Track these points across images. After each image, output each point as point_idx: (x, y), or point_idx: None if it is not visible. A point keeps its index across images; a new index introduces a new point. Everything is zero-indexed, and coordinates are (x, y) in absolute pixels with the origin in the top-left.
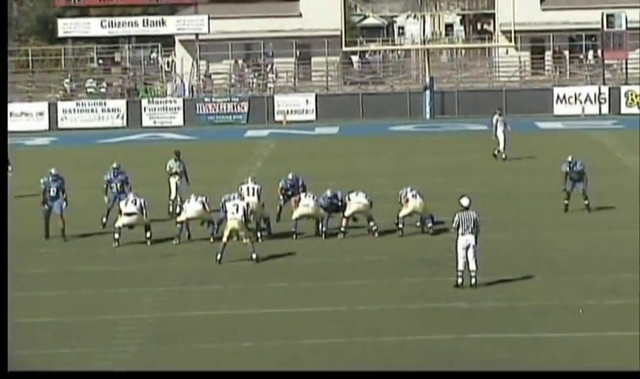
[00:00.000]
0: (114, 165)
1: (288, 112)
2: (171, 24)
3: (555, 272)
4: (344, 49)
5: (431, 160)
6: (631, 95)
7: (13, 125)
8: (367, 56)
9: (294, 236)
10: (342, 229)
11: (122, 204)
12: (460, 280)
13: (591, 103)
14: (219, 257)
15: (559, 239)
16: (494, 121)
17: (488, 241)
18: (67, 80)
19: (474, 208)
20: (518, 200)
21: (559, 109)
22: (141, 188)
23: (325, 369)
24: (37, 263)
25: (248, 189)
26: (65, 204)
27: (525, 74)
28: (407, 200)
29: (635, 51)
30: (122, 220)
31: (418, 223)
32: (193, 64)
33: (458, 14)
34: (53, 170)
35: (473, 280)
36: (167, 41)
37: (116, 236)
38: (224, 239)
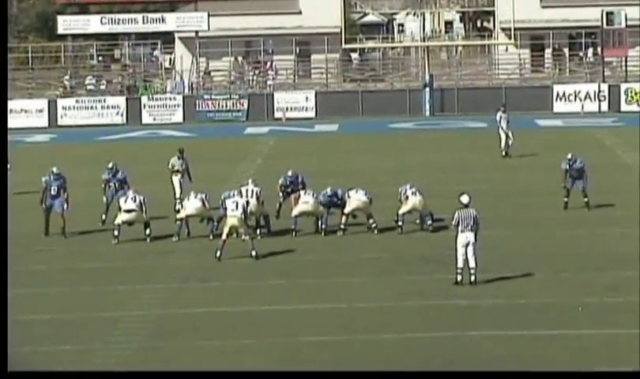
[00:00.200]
0: (110, 165)
1: (287, 109)
2: (171, 21)
3: (555, 269)
4: (344, 46)
5: (430, 158)
6: (631, 92)
7: (12, 121)
8: (366, 53)
9: (293, 233)
10: (342, 226)
11: (121, 201)
12: (459, 278)
13: (591, 100)
14: (218, 254)
15: (559, 237)
16: (497, 117)
17: (488, 238)
18: (67, 77)
19: (474, 206)
20: (518, 198)
21: (558, 106)
22: (141, 185)
23: (324, 367)
24: (37, 260)
25: (248, 191)
26: (66, 204)
27: (525, 72)
28: (406, 198)
29: (635, 49)
30: (122, 217)
31: (417, 221)
32: (192, 61)
33: (458, 11)
34: (55, 169)
35: (473, 278)
36: (167, 38)
37: (115, 233)
38: (224, 236)
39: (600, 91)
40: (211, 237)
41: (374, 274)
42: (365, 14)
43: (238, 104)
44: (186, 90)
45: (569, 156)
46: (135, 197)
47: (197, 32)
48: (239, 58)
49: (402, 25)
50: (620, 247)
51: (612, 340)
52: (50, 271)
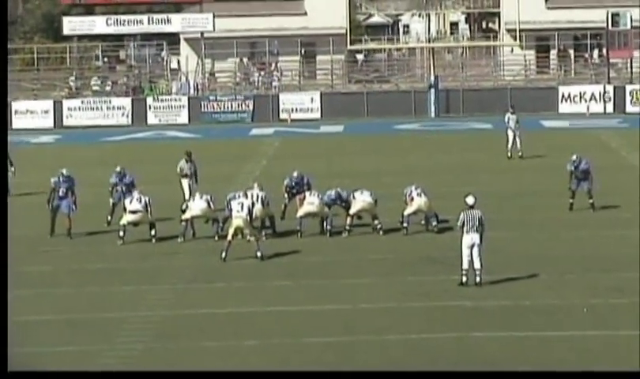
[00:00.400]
0: (118, 169)
1: (292, 110)
2: (177, 22)
3: (560, 270)
4: (349, 47)
5: (435, 159)
6: (636, 93)
7: (18, 122)
8: (371, 54)
9: (299, 234)
10: (347, 227)
11: (126, 201)
12: (464, 279)
13: (596, 101)
14: (224, 255)
15: (564, 238)
16: (505, 118)
17: (493, 239)
18: (72, 78)
19: (479, 207)
20: (523, 199)
21: (564, 108)
22: (146, 186)
23: (329, 368)
24: (42, 261)
25: (253, 195)
26: (74, 206)
27: (530, 73)
28: (412, 199)
29: None
30: (127, 218)
31: (423, 222)
32: (198, 62)
33: (463, 13)
34: (64, 171)
35: (478, 279)
36: (173, 39)
37: (121, 234)
38: (229, 237)
39: (605, 93)
40: (216, 238)
41: (379, 275)
42: (370, 15)
43: (243, 105)
44: (192, 91)
45: (574, 158)
46: (140, 198)
47: (202, 33)
48: (245, 59)
49: (407, 26)
50: (625, 249)
51: (617, 342)
52: (56, 271)
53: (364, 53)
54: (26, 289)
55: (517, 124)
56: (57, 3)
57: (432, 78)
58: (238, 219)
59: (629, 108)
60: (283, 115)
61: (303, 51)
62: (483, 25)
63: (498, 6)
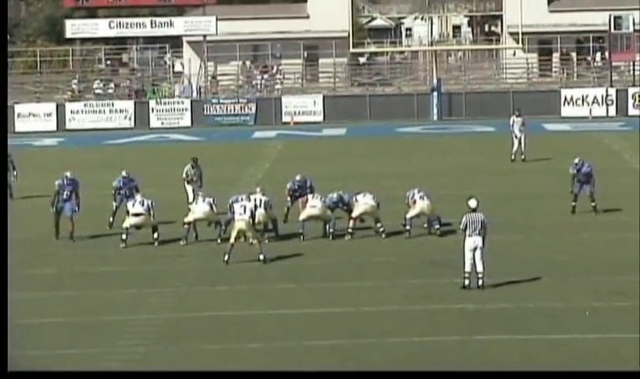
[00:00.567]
0: (124, 173)
1: (295, 113)
2: (179, 26)
3: (563, 273)
4: (352, 50)
5: (438, 162)
6: (639, 96)
7: (20, 125)
8: (374, 57)
9: (301, 237)
10: (349, 230)
11: (129, 204)
12: (467, 282)
13: (598, 104)
14: (226, 258)
15: (567, 241)
16: (510, 122)
17: (496, 242)
18: (75, 81)
19: (481, 210)
20: (526, 202)
21: (566, 111)
22: (149, 189)
23: (331, 370)
24: (45, 264)
25: (256, 199)
26: (77, 208)
27: (533, 76)
28: (414, 202)
29: None
30: (130, 221)
31: (425, 225)
32: (200, 65)
33: (466, 16)
34: (68, 174)
35: (480, 282)
36: (175, 42)
37: (123, 237)
38: (232, 240)
39: (607, 96)
40: (219, 241)
41: (381, 278)
42: (373, 18)
43: (246, 108)
44: (194, 94)
45: (576, 161)
46: (143, 201)
47: (205, 36)
48: (247, 62)
49: (410, 29)
50: (628, 252)
51: (620, 345)
52: (59, 274)
53: (367, 56)
54: (29, 292)
55: (522, 127)
56: (60, 6)
57: (435, 81)
58: (240, 221)
59: (631, 111)
60: (285, 118)
61: (305, 54)
62: (486, 28)
63: (501, 9)
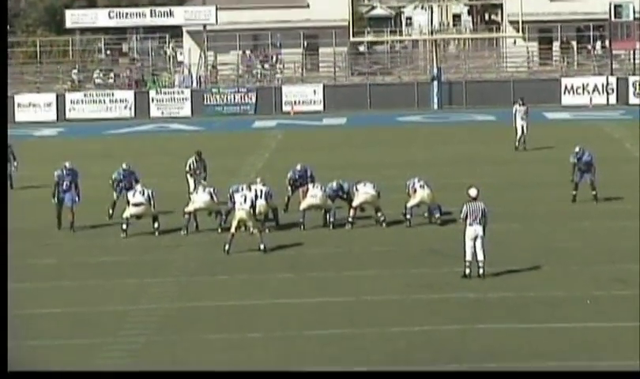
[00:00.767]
0: (124, 166)
1: (295, 103)
2: (179, 15)
3: (563, 262)
4: (352, 39)
5: (438, 151)
6: (639, 85)
7: (20, 115)
8: (374, 47)
9: (301, 227)
10: (350, 220)
11: (129, 194)
12: (467, 271)
13: (599, 93)
14: (227, 247)
15: (567, 230)
16: (513, 110)
17: (496, 231)
18: (75, 71)
19: (482, 199)
20: (526, 191)
21: (566, 99)
22: (149, 179)
23: (332, 360)
24: (46, 254)
25: (257, 190)
26: (77, 198)
27: (533, 65)
28: (415, 191)
29: None
30: (130, 211)
31: (426, 214)
32: (200, 55)
33: (466, 4)
34: (67, 164)
35: (481, 271)
36: (175, 32)
37: (124, 227)
38: (232, 230)
39: (608, 84)
40: (219, 230)
41: (382, 267)
42: (373, 7)
43: (246, 98)
44: (194, 84)
45: (577, 149)
46: (143, 191)
47: (205, 26)
48: (247, 52)
49: (410, 18)
50: (628, 240)
51: (620, 333)
52: (59, 265)
53: (367, 45)
54: (29, 282)
55: (524, 115)
56: None
57: (435, 70)
58: (241, 211)
59: (632, 100)
60: (286, 108)
61: (305, 44)
62: (486, 17)
63: None
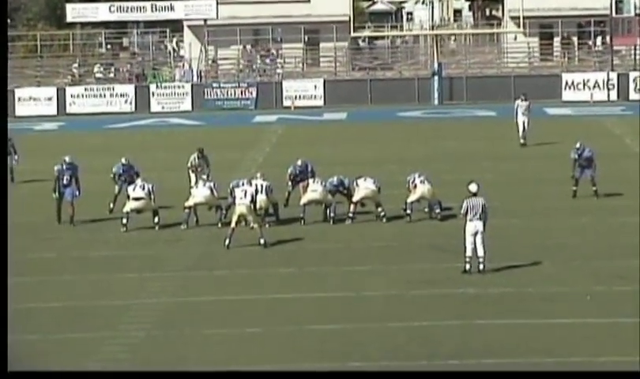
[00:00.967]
0: (123, 160)
1: (296, 97)
2: (180, 9)
3: (563, 258)
4: (353, 34)
5: (439, 146)
6: None
7: (21, 109)
8: (375, 42)
9: (302, 222)
10: (350, 215)
11: (129, 188)
12: (468, 266)
13: (599, 89)
14: (227, 242)
15: (567, 225)
16: (515, 105)
17: (496, 227)
18: (75, 65)
19: (482, 194)
20: (526, 187)
21: (567, 95)
22: (149, 173)
23: (332, 356)
24: (46, 248)
25: (257, 185)
26: (77, 192)
27: (534, 60)
28: (415, 186)
29: None
30: (130, 205)
31: (426, 209)
32: (201, 49)
33: (467, 0)
34: (67, 158)
35: (481, 266)
36: (176, 26)
37: (124, 221)
38: (233, 224)
39: (609, 80)
40: (219, 225)
41: (382, 262)
42: (374, 2)
43: (246, 92)
44: (195, 78)
45: (577, 145)
46: (144, 185)
47: (205, 20)
48: (248, 47)
49: (411, 13)
50: (629, 236)
51: (620, 329)
52: (60, 259)
53: (367, 40)
54: (30, 276)
55: (526, 111)
56: None
57: (436, 65)
58: (241, 206)
59: (632, 95)
60: (286, 102)
61: (306, 38)
62: (487, 12)
63: None
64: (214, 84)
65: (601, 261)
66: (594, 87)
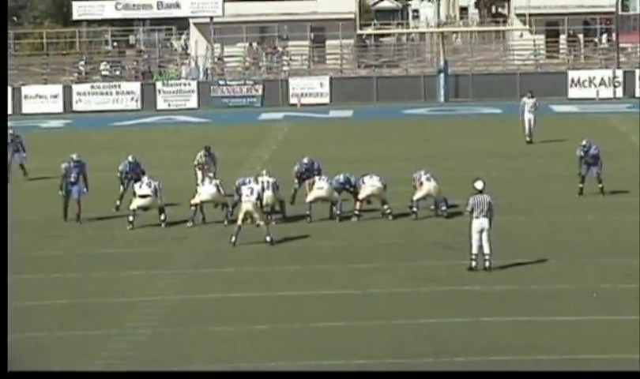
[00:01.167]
0: (130, 158)
1: (302, 95)
2: (186, 7)
3: (569, 255)
4: (359, 32)
5: (445, 143)
6: None
7: (27, 107)
8: (381, 39)
9: (308, 219)
10: (356, 212)
11: (136, 186)
12: (474, 264)
13: (605, 86)
14: (233, 239)
15: (573, 223)
16: (521, 103)
17: (502, 224)
18: (82, 63)
19: (488, 192)
20: (532, 184)
21: (573, 92)
22: (156, 170)
23: (338, 353)
24: (52, 245)
25: (263, 182)
26: (85, 189)
27: (540, 57)
28: (421, 184)
29: None
30: (137, 202)
31: (432, 207)
32: (207, 47)
33: None
34: (74, 156)
35: (487, 264)
36: (182, 24)
37: (130, 218)
38: (239, 222)
39: (615, 77)
40: (226, 223)
41: (388, 260)
42: (380, 0)
43: (252, 90)
44: (201, 76)
45: (584, 143)
46: (150, 183)
47: (211, 18)
48: (254, 44)
49: (417, 11)
50: (635, 233)
51: (626, 327)
52: (66, 256)
53: (373, 38)
54: (36, 273)
55: (532, 108)
56: None
57: (441, 63)
58: (247, 203)
59: (638, 93)
60: (292, 100)
61: (312, 36)
62: (493, 10)
63: None
64: (220, 82)
65: (607, 259)
66: (600, 84)
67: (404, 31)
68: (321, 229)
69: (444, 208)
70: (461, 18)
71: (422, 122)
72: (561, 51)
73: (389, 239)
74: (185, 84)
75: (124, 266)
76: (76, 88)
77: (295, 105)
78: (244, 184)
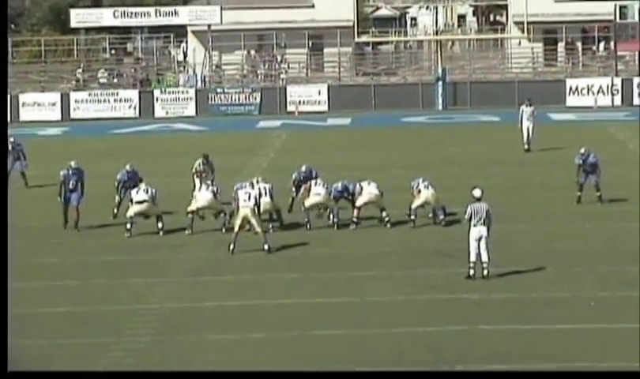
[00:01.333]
0: (128, 167)
1: (300, 103)
2: (184, 15)
3: (567, 263)
4: (357, 40)
5: (443, 151)
6: None
7: (25, 115)
8: (379, 47)
9: (307, 226)
10: (354, 220)
11: (133, 192)
12: (472, 272)
13: (604, 94)
14: (231, 247)
15: (572, 231)
16: (520, 111)
17: (500, 232)
18: (80, 71)
19: (486, 200)
20: (531, 192)
21: (571, 100)
22: (153, 178)
23: (336, 361)
24: (50, 253)
25: (260, 189)
26: (82, 196)
27: (538, 65)
28: (419, 191)
29: None
30: (134, 209)
31: (430, 215)
32: (205, 54)
33: (471, 5)
34: (73, 163)
35: (485, 272)
36: (180, 31)
37: (128, 226)
38: (236, 228)
39: (613, 85)
40: (223, 230)
41: (386, 268)
42: (378, 8)
43: (250, 98)
44: (199, 83)
45: (582, 151)
46: (147, 189)
47: (209, 26)
48: (252, 52)
49: (415, 19)
50: (633, 241)
51: (625, 335)
52: (64, 264)
53: (371, 45)
54: (34, 281)
55: (530, 116)
56: None
57: (440, 71)
58: (245, 209)
59: (637, 101)
60: (290, 108)
61: (310, 44)
62: (491, 18)
63: None
64: (218, 90)
65: (605, 267)
66: (598, 92)
67: (402, 39)
68: (320, 237)
69: (442, 216)
70: (459, 26)
71: (420, 130)
72: (559, 59)
73: (388, 247)
74: (183, 92)
75: (122, 274)
76: (74, 95)
77: (292, 113)
78: (241, 189)
